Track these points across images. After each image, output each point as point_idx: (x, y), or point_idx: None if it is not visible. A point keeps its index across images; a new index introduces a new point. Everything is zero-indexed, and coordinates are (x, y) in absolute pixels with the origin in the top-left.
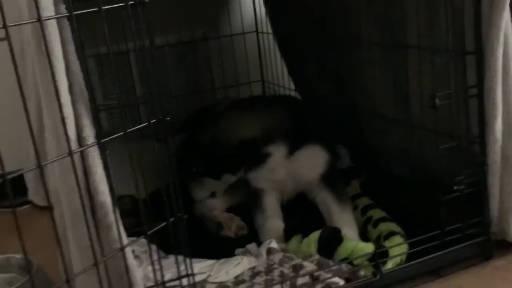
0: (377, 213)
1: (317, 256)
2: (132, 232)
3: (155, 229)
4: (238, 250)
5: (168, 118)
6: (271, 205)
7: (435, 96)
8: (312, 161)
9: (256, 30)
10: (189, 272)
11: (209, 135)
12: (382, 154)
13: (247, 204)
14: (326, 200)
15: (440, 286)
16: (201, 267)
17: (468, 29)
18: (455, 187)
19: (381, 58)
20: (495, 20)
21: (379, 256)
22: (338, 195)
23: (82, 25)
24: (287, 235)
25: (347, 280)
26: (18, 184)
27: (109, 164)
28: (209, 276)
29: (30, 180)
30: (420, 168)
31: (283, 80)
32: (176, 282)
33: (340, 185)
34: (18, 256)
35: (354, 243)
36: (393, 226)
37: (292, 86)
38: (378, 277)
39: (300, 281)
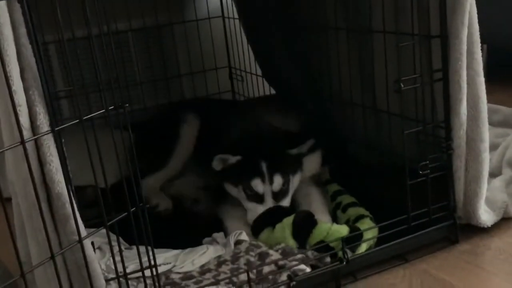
0: (346, 199)
1: (282, 245)
2: (94, 223)
3: (115, 220)
4: (205, 240)
5: (127, 105)
6: None
7: (400, 80)
8: (311, 165)
9: (222, 15)
10: (152, 263)
11: None
12: (350, 139)
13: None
14: (309, 192)
15: (406, 271)
16: (166, 257)
17: (433, 12)
18: (421, 172)
19: (347, 43)
20: (460, 2)
21: (351, 240)
22: (320, 188)
23: (42, 10)
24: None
25: (313, 267)
26: None
27: (74, 153)
28: (174, 266)
29: None
30: (387, 153)
31: (250, 66)
32: (139, 274)
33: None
34: None
35: (328, 226)
36: (361, 210)
37: (259, 72)
38: (344, 263)
39: (267, 269)
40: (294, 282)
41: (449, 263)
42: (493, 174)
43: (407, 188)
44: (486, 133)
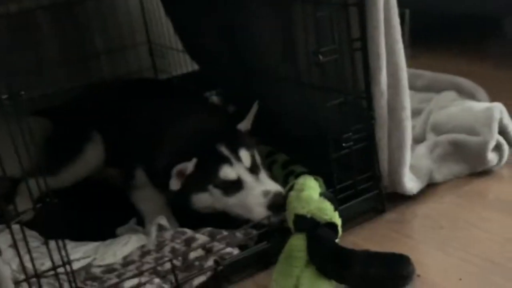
0: (298, 168)
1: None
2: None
3: (17, 218)
4: (120, 229)
5: (23, 93)
6: None
7: (318, 52)
8: None
9: None
10: (65, 260)
11: None
12: (278, 113)
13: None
14: None
15: None
16: (86, 250)
17: None
18: (344, 144)
19: (268, 14)
20: None
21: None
22: None
23: None
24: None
25: (241, 248)
26: None
27: None
28: (94, 259)
29: None
30: (312, 126)
31: (170, 41)
32: (52, 272)
33: None
34: None
35: None
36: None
37: (180, 47)
38: (270, 244)
39: (193, 255)
40: (221, 267)
41: (377, 233)
42: (418, 140)
43: (332, 161)
44: (407, 100)
